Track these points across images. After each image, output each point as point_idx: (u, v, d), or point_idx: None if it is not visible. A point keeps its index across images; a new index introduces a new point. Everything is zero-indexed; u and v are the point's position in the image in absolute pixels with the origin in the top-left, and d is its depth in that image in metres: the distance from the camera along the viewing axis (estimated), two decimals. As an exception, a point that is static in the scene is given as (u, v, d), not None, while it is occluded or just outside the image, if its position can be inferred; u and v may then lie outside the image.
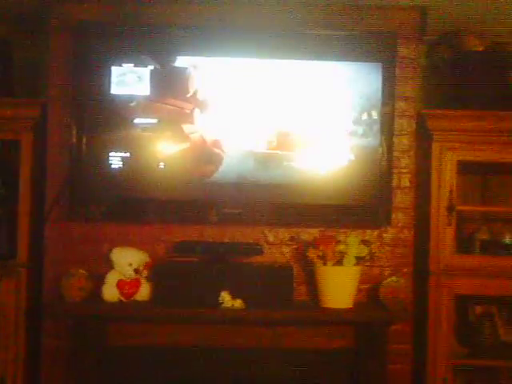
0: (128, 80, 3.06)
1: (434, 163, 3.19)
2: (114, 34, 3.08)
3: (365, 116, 3.10)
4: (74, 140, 3.06)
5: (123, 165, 3.06)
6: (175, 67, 3.08)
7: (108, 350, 3.05)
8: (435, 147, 3.18)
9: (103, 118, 3.07)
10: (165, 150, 3.08)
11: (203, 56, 3.08)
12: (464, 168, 3.24)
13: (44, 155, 3.16)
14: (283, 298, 2.99)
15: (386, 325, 3.04)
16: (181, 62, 3.07)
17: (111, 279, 3.01)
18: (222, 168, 3.08)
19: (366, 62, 3.10)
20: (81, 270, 2.98)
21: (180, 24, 3.13)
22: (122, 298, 3.00)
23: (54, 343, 3.09)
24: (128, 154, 3.06)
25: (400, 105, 3.20)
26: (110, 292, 3.00)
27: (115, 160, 3.06)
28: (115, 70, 3.06)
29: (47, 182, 3.15)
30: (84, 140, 3.05)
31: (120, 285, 3.00)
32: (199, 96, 3.08)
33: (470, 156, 3.19)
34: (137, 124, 3.07)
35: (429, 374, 3.13)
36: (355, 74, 3.09)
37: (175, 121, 3.07)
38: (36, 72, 3.38)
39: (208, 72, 3.08)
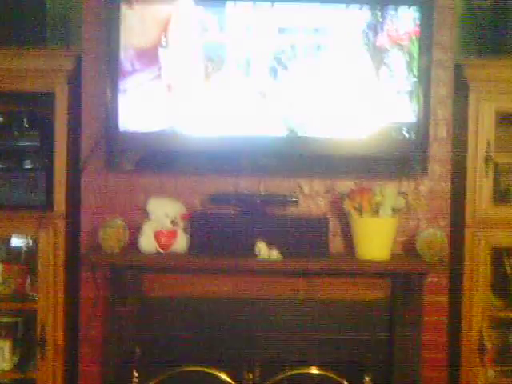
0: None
1: (471, 114, 3.12)
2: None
3: (401, 65, 3.05)
4: (109, 92, 3.05)
5: (158, 116, 3.04)
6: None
7: (145, 301, 3.08)
8: (472, 97, 3.12)
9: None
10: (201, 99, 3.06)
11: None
12: (502, 119, 3.17)
13: (79, 107, 3.15)
14: (319, 250, 3.00)
15: (422, 275, 3.03)
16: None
17: (148, 230, 3.01)
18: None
19: (403, 5, 3.01)
20: (119, 221, 2.98)
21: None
22: (160, 249, 3.01)
23: (92, 293, 3.12)
24: (162, 107, 3.05)
25: (437, 54, 3.12)
26: (148, 243, 3.00)
27: (150, 111, 3.04)
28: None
29: (82, 133, 3.15)
30: (119, 92, 3.03)
31: (157, 236, 3.01)
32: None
33: (508, 107, 3.13)
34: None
35: (464, 326, 3.12)
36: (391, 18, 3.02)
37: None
38: (69, 23, 3.35)
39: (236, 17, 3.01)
